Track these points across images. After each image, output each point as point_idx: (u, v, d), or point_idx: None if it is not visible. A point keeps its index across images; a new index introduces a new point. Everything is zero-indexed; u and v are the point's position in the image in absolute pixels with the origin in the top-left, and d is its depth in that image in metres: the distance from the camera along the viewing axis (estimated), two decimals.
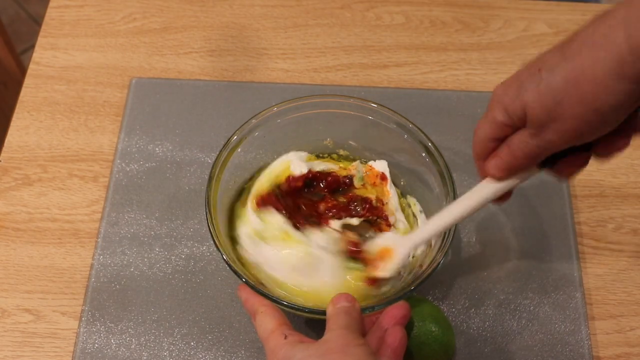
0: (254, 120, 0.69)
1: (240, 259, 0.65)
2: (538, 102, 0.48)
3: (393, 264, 0.63)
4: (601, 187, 0.78)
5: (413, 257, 0.67)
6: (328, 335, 0.53)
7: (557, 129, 0.48)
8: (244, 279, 0.60)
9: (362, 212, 0.68)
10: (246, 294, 0.60)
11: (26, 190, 0.77)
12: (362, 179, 0.70)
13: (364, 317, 0.57)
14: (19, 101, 0.83)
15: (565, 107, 0.47)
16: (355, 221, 0.67)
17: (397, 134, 0.70)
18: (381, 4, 0.92)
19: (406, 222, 0.68)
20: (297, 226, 0.65)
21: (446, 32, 0.90)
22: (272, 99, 0.81)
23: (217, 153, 0.67)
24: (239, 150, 0.68)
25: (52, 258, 0.73)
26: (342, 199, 0.69)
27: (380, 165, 0.71)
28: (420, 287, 0.61)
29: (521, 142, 0.51)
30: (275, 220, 0.65)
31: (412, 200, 0.71)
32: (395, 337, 0.55)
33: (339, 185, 0.70)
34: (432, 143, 0.68)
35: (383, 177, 0.70)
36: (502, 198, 0.58)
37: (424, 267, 0.62)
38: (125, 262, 0.72)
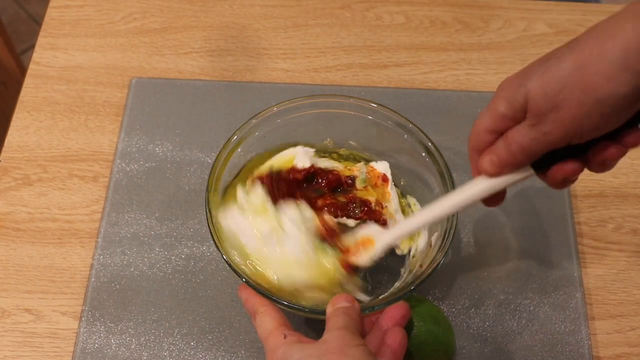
0: (254, 120, 0.69)
1: (218, 228, 0.64)
2: (540, 89, 0.48)
3: (371, 253, 0.62)
4: (601, 187, 0.78)
5: (413, 257, 0.67)
6: (327, 335, 0.53)
7: (556, 119, 0.48)
8: (244, 279, 0.60)
9: (360, 214, 0.67)
10: (246, 294, 0.60)
11: (26, 190, 0.77)
12: (365, 180, 0.70)
13: (363, 318, 0.57)
14: (19, 101, 0.83)
15: (567, 96, 0.47)
16: (351, 222, 0.66)
17: (397, 134, 0.70)
18: (381, 4, 0.92)
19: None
20: (275, 202, 0.64)
21: (446, 32, 0.90)
22: (272, 99, 0.81)
23: (217, 153, 0.67)
24: (239, 150, 0.68)
25: (52, 258, 0.73)
26: (341, 199, 0.69)
27: (382, 167, 0.71)
28: (420, 287, 0.61)
29: (518, 134, 0.50)
30: (257, 193, 0.64)
31: (412, 200, 0.71)
32: (395, 338, 0.55)
33: (339, 185, 0.69)
34: (432, 143, 0.68)
35: (384, 178, 0.70)
36: (494, 200, 0.57)
37: (424, 267, 0.62)
38: (125, 262, 0.72)
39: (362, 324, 0.57)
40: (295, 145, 0.71)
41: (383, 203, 0.69)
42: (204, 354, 0.68)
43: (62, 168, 0.78)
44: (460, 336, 0.68)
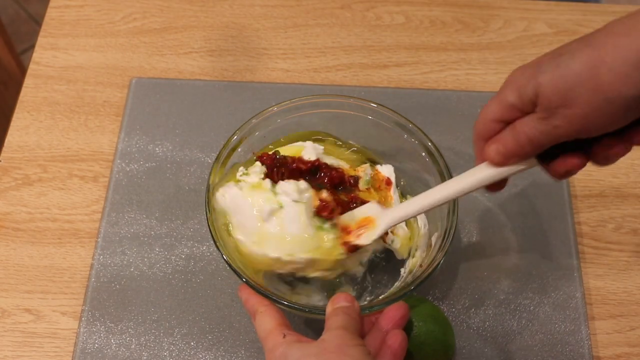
0: (254, 120, 0.69)
1: (211, 207, 0.64)
2: (552, 84, 0.47)
3: (373, 233, 0.62)
4: (601, 187, 0.78)
5: (413, 257, 0.67)
6: (326, 334, 0.53)
7: (566, 115, 0.48)
8: (245, 279, 0.60)
9: None
10: (247, 294, 0.60)
11: (26, 190, 0.77)
12: (369, 182, 0.69)
13: (362, 318, 0.57)
14: (19, 101, 0.83)
15: (578, 92, 0.46)
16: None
17: (397, 134, 0.70)
18: (381, 4, 0.92)
19: (406, 228, 0.68)
20: (272, 180, 0.64)
21: (446, 32, 0.90)
22: (272, 99, 0.81)
23: (217, 153, 0.67)
24: (239, 150, 0.68)
25: (52, 258, 0.73)
26: (343, 197, 0.68)
27: (387, 170, 0.71)
28: (420, 287, 0.60)
29: (527, 125, 0.50)
30: (255, 170, 0.64)
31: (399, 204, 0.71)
32: (395, 339, 0.55)
33: (342, 182, 0.69)
34: (432, 143, 0.68)
35: (388, 182, 0.70)
36: (496, 186, 0.57)
37: (424, 267, 0.62)
38: (125, 262, 0.72)
39: (362, 324, 0.57)
40: (309, 139, 0.70)
41: (384, 206, 0.68)
42: (204, 354, 0.68)
43: (62, 168, 0.78)
44: (460, 336, 0.68)
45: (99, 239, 0.73)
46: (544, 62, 0.49)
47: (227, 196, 0.63)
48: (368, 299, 0.67)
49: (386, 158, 0.72)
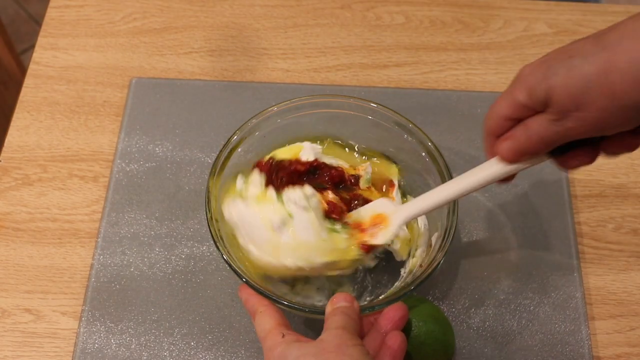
0: (254, 120, 0.69)
1: (219, 225, 0.64)
2: (565, 88, 0.47)
3: (388, 231, 0.62)
4: (601, 187, 0.78)
5: (413, 257, 0.67)
6: (325, 334, 0.53)
7: (580, 118, 0.48)
8: (245, 279, 0.60)
9: None
10: (247, 294, 0.60)
11: (26, 190, 0.77)
12: (369, 181, 0.69)
13: (362, 318, 0.57)
14: (19, 101, 0.83)
15: (592, 98, 0.46)
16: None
17: (397, 134, 0.70)
18: (381, 4, 0.92)
19: (406, 230, 0.68)
20: (276, 189, 0.63)
21: (446, 32, 0.90)
22: (272, 99, 0.81)
23: (217, 153, 0.67)
24: (239, 150, 0.68)
25: (52, 258, 0.73)
26: (344, 195, 0.68)
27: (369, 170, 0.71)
28: (420, 287, 0.60)
29: (540, 126, 0.50)
30: (256, 180, 0.64)
31: (412, 200, 0.71)
32: (395, 340, 0.55)
33: (342, 181, 0.69)
34: (432, 143, 0.68)
35: (391, 184, 0.70)
36: (506, 179, 0.57)
37: (424, 267, 0.62)
38: (125, 262, 0.72)
39: (361, 324, 0.57)
40: (303, 140, 0.70)
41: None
42: (204, 354, 0.68)
43: (62, 168, 0.78)
44: (460, 336, 0.68)
45: (99, 239, 0.73)
46: (554, 63, 0.49)
47: (233, 212, 0.63)
48: (368, 299, 0.67)
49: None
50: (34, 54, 0.86)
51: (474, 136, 0.80)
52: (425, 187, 0.69)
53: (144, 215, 0.75)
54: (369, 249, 0.62)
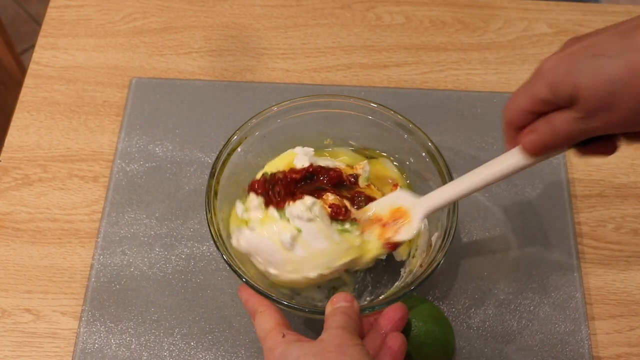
0: (254, 120, 0.69)
1: (234, 255, 0.63)
2: (593, 89, 0.47)
3: (411, 226, 0.61)
4: (601, 187, 0.78)
5: (413, 257, 0.67)
6: (325, 334, 0.53)
7: (607, 118, 0.47)
8: (245, 279, 0.60)
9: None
10: (247, 294, 0.60)
11: (26, 190, 0.77)
12: (368, 179, 0.69)
13: (362, 318, 0.57)
14: (19, 101, 0.83)
15: (620, 99, 0.46)
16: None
17: (397, 134, 0.70)
18: (381, 4, 0.92)
19: (426, 222, 0.68)
20: (277, 206, 0.62)
21: (446, 32, 0.90)
22: (272, 99, 0.81)
23: (217, 153, 0.67)
24: (239, 150, 0.68)
25: (52, 258, 0.73)
26: (345, 194, 0.68)
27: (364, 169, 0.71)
28: (420, 287, 0.60)
29: (565, 123, 0.50)
30: (254, 203, 0.63)
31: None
32: (395, 341, 0.55)
33: (341, 181, 0.69)
34: (432, 143, 0.68)
35: (395, 184, 0.70)
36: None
37: (424, 267, 0.62)
38: (125, 262, 0.72)
39: (361, 324, 0.57)
40: (303, 140, 0.70)
41: None
42: (204, 354, 0.68)
43: (62, 168, 0.78)
44: (460, 336, 0.68)
45: (99, 239, 0.73)
46: (578, 60, 0.48)
47: (242, 242, 0.63)
48: (368, 299, 0.67)
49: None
50: (34, 54, 0.86)
51: (474, 136, 0.80)
52: (426, 187, 0.69)
53: (144, 215, 0.75)
54: (394, 246, 0.62)
